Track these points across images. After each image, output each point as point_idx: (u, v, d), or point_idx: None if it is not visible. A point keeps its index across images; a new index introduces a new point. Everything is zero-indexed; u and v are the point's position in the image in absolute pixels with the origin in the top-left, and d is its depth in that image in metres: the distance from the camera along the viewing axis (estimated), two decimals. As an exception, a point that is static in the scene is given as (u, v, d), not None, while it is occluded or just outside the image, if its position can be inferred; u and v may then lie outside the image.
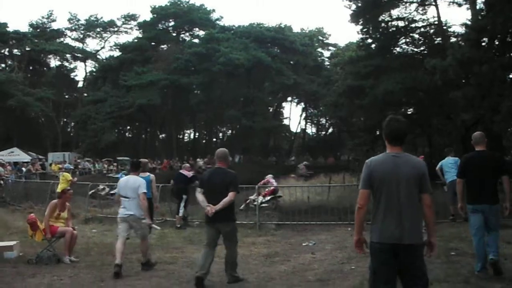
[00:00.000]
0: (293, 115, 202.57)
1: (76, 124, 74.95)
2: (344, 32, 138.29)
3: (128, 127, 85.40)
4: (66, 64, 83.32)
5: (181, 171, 19.78)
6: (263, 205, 19.46)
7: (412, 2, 37.83)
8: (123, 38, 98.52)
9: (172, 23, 78.21)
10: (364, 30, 39.52)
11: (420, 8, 37.92)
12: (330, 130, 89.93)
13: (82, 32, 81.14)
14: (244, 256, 11.21)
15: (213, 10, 79.99)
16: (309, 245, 13.50)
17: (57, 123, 74.22)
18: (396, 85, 34.00)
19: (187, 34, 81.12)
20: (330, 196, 21.53)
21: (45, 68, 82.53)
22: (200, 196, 9.49)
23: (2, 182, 27.55)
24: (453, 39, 35.73)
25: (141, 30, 79.52)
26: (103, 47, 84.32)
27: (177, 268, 10.85)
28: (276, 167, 60.25)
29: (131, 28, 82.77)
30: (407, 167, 5.51)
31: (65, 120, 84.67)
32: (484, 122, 24.99)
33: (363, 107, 39.75)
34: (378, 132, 36.50)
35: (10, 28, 71.94)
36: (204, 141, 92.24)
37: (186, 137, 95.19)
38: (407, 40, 39.97)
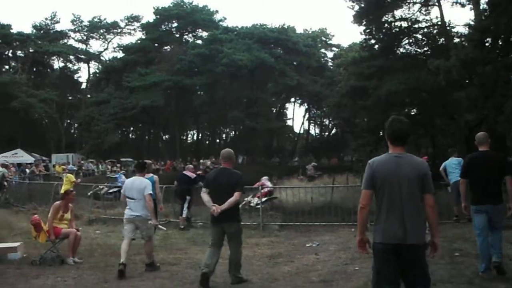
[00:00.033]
0: (296, 116, 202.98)
1: (79, 126, 74.94)
2: (347, 32, 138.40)
3: (132, 128, 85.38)
4: (70, 65, 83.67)
5: (184, 172, 19.72)
6: (258, 206, 19.46)
7: (415, 3, 37.82)
8: (127, 40, 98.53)
9: (175, 24, 78.34)
10: (367, 30, 39.50)
11: (423, 9, 37.92)
12: (334, 131, 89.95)
13: (86, 33, 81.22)
14: (248, 257, 11.21)
15: (216, 11, 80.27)
16: (313, 246, 13.49)
17: (60, 125, 74.35)
18: (399, 85, 33.99)
19: (190, 35, 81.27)
20: (334, 197, 21.50)
21: (48, 70, 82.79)
22: (205, 196, 9.48)
23: (6, 183, 27.55)
24: (456, 40, 35.71)
25: (144, 32, 79.60)
26: (106, 49, 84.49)
27: (180, 269, 10.84)
28: (279, 168, 60.34)
29: (134, 30, 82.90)
30: (409, 167, 5.51)
31: (68, 121, 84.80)
32: (487, 123, 24.97)
33: (367, 107, 39.77)
34: (381, 133, 36.33)
35: (14, 30, 72.21)
36: (207, 142, 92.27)
37: (189, 138, 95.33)
38: (411, 40, 39.94)
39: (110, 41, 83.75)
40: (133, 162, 54.93)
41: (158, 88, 66.24)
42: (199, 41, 77.71)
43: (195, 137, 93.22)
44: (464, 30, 35.08)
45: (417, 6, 37.88)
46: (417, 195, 5.47)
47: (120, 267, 10.18)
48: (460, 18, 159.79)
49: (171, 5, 76.41)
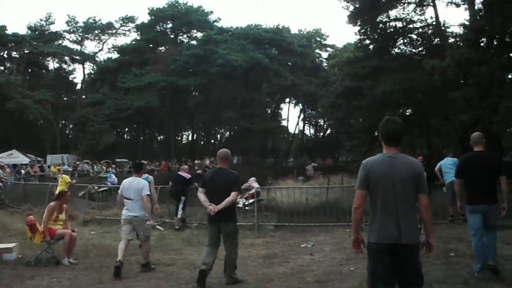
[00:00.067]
0: (291, 116, 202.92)
1: (74, 126, 74.90)
2: (342, 33, 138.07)
3: (127, 129, 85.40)
4: (65, 66, 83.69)
5: (179, 172, 19.70)
6: (246, 208, 19.48)
7: (410, 3, 37.80)
8: (121, 40, 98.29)
9: (170, 25, 78.36)
10: (362, 31, 39.47)
11: (418, 9, 37.89)
12: (328, 131, 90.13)
13: (81, 34, 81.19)
14: (243, 257, 11.20)
15: (211, 12, 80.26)
16: (308, 246, 13.50)
17: (55, 125, 74.27)
18: (394, 86, 33.99)
19: (185, 36, 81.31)
20: (329, 197, 21.52)
21: (43, 71, 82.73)
22: (202, 196, 9.49)
23: (1, 184, 27.52)
24: (451, 40, 35.64)
25: (139, 32, 79.59)
26: (101, 49, 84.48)
27: (175, 270, 10.83)
28: (274, 168, 60.39)
29: (129, 30, 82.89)
30: (403, 167, 5.52)
31: (63, 122, 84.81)
32: (483, 123, 24.96)
33: (361, 108, 39.75)
34: (376, 133, 36.43)
35: (9, 31, 72.11)
36: (202, 142, 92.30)
37: (184, 139, 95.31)
38: (405, 40, 39.92)
39: (105, 42, 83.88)
40: (128, 163, 55.08)
41: (153, 88, 66.27)
42: (194, 42, 77.77)
43: (190, 138, 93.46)
44: (459, 30, 35.09)
45: (412, 6, 37.87)
46: (411, 195, 5.49)
47: (117, 263, 10.22)
48: (455, 18, 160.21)
49: (166, 6, 76.51)
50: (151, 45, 76.46)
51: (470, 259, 9.65)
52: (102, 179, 36.39)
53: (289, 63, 76.02)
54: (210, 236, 9.58)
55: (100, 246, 13.69)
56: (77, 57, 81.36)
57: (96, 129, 64.67)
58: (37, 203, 22.13)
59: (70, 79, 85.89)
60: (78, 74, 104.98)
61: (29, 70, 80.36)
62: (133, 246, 11.52)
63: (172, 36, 79.49)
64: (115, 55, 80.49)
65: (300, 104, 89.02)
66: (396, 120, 5.77)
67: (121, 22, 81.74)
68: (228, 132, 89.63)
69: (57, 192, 17.51)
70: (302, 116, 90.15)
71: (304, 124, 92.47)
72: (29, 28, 77.76)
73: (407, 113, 41.04)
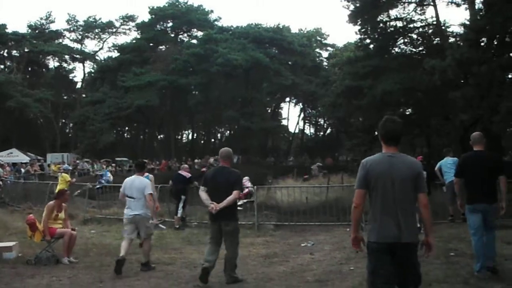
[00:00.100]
0: (291, 115, 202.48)
1: (74, 125, 74.78)
2: (342, 32, 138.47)
3: (127, 128, 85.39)
4: (65, 65, 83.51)
5: (179, 171, 19.69)
6: (239, 208, 19.52)
7: (411, 2, 37.83)
8: (122, 39, 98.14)
9: (170, 24, 78.31)
10: (363, 30, 39.51)
11: (419, 8, 37.93)
12: (328, 130, 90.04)
13: (81, 33, 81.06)
14: (243, 256, 11.17)
15: (211, 11, 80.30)
16: (308, 245, 13.50)
17: (55, 124, 74.19)
18: (394, 85, 34.03)
19: (185, 35, 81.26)
20: (329, 197, 21.50)
21: (43, 69, 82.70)
22: (203, 195, 9.52)
23: (1, 183, 27.57)
24: (451, 39, 35.69)
25: (139, 31, 79.50)
26: (101, 48, 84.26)
27: (175, 269, 10.84)
28: (274, 168, 60.39)
29: (129, 29, 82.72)
30: (402, 167, 5.54)
31: (63, 121, 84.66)
32: (483, 123, 24.98)
33: (362, 107, 39.78)
34: (376, 133, 36.42)
35: (9, 29, 71.98)
36: (202, 141, 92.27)
37: (184, 138, 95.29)
38: (406, 40, 39.98)
39: (105, 40, 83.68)
40: (128, 162, 55.10)
41: (153, 87, 66.20)
42: (194, 41, 77.80)
43: (190, 137, 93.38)
44: (460, 30, 35.19)
45: (412, 5, 37.91)
46: (410, 195, 5.51)
47: (119, 257, 10.28)
48: (456, 18, 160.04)
49: (166, 5, 76.37)
50: (151, 44, 76.44)
51: (470, 259, 9.65)
52: (98, 177, 36.44)
53: (290, 63, 75.98)
54: (211, 234, 9.60)
55: (100, 245, 13.69)
56: (77, 56, 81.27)
57: (96, 128, 64.59)
58: (37, 201, 22.13)
59: (70, 77, 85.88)
60: (78, 73, 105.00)
61: (29, 69, 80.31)
62: (134, 245, 11.50)
63: (172, 35, 79.43)
64: (115, 54, 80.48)
65: (300, 103, 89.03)
66: (396, 120, 5.79)
67: (122, 21, 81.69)
68: (228, 131, 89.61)
69: (56, 191, 17.51)
70: (302, 115, 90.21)
71: (304, 123, 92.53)
72: (29, 26, 77.90)
73: (407, 113, 41.12)
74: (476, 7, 30.32)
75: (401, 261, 5.40)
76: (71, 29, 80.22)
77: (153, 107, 67.42)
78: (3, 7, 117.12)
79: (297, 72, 74.40)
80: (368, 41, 40.63)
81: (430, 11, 37.73)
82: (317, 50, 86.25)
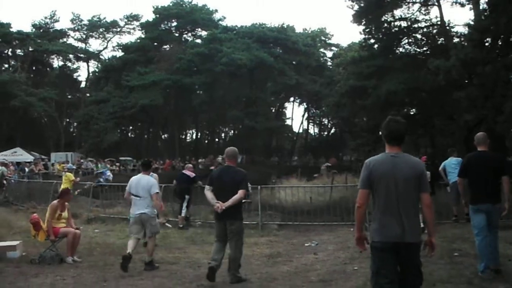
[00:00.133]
0: (296, 115, 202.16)
1: (78, 124, 75.02)
2: (346, 32, 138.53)
3: (131, 127, 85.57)
4: (69, 64, 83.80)
5: (184, 171, 19.70)
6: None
7: (415, 3, 37.83)
8: (126, 39, 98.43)
9: (174, 24, 78.42)
10: (367, 30, 39.54)
11: (423, 8, 37.95)
12: (333, 130, 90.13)
13: (85, 32, 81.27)
14: (247, 256, 11.18)
15: (216, 11, 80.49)
16: (312, 245, 13.47)
17: (59, 123, 74.39)
18: (398, 85, 34.05)
19: (190, 34, 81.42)
20: (333, 197, 21.46)
21: (48, 69, 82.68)
22: (209, 194, 9.54)
23: (5, 182, 27.59)
24: (456, 40, 35.69)
25: (143, 31, 79.70)
26: (105, 48, 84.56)
27: (179, 268, 10.82)
28: (278, 167, 60.41)
29: (133, 29, 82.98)
30: (405, 167, 5.55)
31: (67, 120, 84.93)
32: (487, 123, 24.97)
33: (366, 107, 39.81)
34: (380, 133, 36.39)
35: (14, 29, 72.18)
36: (206, 141, 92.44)
37: (188, 138, 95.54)
38: (410, 40, 39.97)
39: (109, 40, 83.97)
40: (132, 161, 55.17)
41: (157, 87, 66.29)
42: (199, 40, 77.91)
43: (194, 136, 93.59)
44: (464, 30, 35.14)
45: (417, 5, 37.94)
46: (413, 195, 5.53)
47: (125, 254, 10.33)
48: (460, 18, 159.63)
49: (171, 4, 76.49)
50: (155, 44, 76.63)
51: (474, 259, 9.63)
52: (98, 175, 36.43)
53: (294, 62, 75.85)
54: (217, 233, 9.63)
55: (104, 244, 13.69)
56: (82, 55, 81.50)
57: (100, 127, 64.69)
58: (41, 201, 22.13)
59: (75, 77, 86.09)
60: (83, 72, 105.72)
61: (34, 68, 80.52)
62: (138, 244, 11.53)
63: (176, 35, 79.57)
64: (119, 53, 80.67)
65: (304, 103, 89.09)
66: (399, 120, 5.80)
67: (126, 20, 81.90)
68: (232, 131, 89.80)
69: (60, 190, 17.52)
70: (306, 115, 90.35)
71: (309, 123, 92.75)
72: (34, 26, 78.13)
73: (412, 113, 41.16)
74: (481, 7, 30.30)
75: (403, 261, 5.42)
76: (76, 28, 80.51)
77: (157, 106, 67.58)
78: (8, 6, 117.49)
79: (301, 72, 74.39)
80: (372, 41, 40.67)
81: (434, 11, 37.64)
82: (322, 50, 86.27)
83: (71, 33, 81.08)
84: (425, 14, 38.14)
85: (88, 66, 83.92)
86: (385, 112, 30.23)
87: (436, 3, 36.30)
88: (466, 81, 28.19)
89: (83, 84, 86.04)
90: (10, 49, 74.19)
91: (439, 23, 36.76)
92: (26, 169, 36.84)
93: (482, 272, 8.64)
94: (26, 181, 29.04)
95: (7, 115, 66.95)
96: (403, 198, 5.44)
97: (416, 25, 38.38)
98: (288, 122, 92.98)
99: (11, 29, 71.19)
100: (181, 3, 76.97)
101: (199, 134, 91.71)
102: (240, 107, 72.45)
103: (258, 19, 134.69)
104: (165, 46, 78.18)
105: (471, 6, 32.42)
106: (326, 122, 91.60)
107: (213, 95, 69.59)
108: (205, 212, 18.12)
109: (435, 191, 14.66)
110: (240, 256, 9.51)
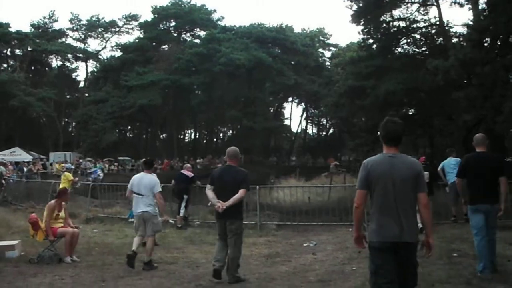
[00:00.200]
0: (294, 115, 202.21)
1: (77, 124, 75.08)
2: (345, 32, 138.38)
3: (129, 127, 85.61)
4: (68, 64, 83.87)
5: (182, 171, 19.72)
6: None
7: (414, 3, 37.82)
8: (124, 38, 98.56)
9: (173, 24, 78.52)
10: (366, 30, 39.52)
11: (422, 9, 37.92)
12: (331, 130, 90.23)
13: (84, 32, 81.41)
14: (245, 256, 11.17)
15: (214, 11, 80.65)
16: (310, 245, 13.48)
17: (58, 123, 74.46)
18: (397, 85, 34.03)
19: (188, 34, 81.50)
20: (331, 197, 21.50)
21: (46, 68, 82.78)
22: (210, 193, 9.55)
23: (3, 181, 27.56)
24: (455, 40, 35.69)
25: (142, 31, 79.82)
26: (104, 47, 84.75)
27: (178, 268, 10.82)
28: (276, 167, 60.48)
29: (132, 29, 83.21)
30: (403, 167, 5.57)
31: (66, 120, 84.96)
32: (486, 123, 24.99)
33: (364, 107, 39.79)
34: (378, 133, 36.33)
35: (12, 28, 72.27)
36: (205, 141, 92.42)
37: (187, 137, 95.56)
38: (409, 40, 39.94)
39: (108, 40, 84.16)
40: (131, 161, 55.19)
41: (156, 87, 66.33)
42: (197, 40, 77.98)
43: (192, 136, 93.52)
44: (463, 30, 35.13)
45: (416, 6, 37.92)
46: (411, 195, 5.54)
47: (130, 253, 10.42)
48: (459, 18, 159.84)
49: (169, 4, 76.60)
50: (154, 44, 76.67)
51: (472, 259, 9.63)
52: (88, 174, 36.44)
53: (292, 62, 75.98)
54: (219, 232, 9.67)
55: (103, 244, 13.68)
56: (80, 55, 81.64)
57: (99, 127, 64.73)
58: (40, 200, 22.10)
59: (73, 77, 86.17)
60: (81, 72, 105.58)
61: (32, 68, 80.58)
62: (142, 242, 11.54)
63: (175, 35, 79.64)
64: (118, 53, 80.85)
65: (303, 103, 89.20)
66: (396, 121, 5.82)
67: (125, 20, 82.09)
68: (231, 131, 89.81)
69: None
70: (305, 115, 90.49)
71: (307, 123, 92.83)
72: (33, 25, 78.27)
73: (410, 113, 41.14)
74: (480, 7, 30.29)
75: (401, 260, 5.42)
76: (74, 28, 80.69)
77: (155, 106, 67.66)
78: (7, 6, 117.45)
79: (300, 72, 74.46)
80: (371, 41, 40.66)
81: (433, 11, 37.63)
82: (320, 50, 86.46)
83: (70, 33, 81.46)
84: (424, 14, 38.18)
85: (86, 66, 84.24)
86: (384, 112, 30.28)
87: (435, 3, 36.29)
88: (465, 81, 28.19)
89: (81, 84, 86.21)
90: (9, 49, 74.29)
91: (438, 23, 36.76)
92: (25, 169, 36.86)
93: (481, 272, 8.64)
94: (25, 181, 29.02)
95: (5, 115, 67.03)
96: (401, 198, 5.46)
97: (415, 25, 38.36)
98: (287, 122, 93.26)
99: (10, 29, 71.25)
100: (180, 3, 77.11)
101: (197, 134, 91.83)
102: (238, 107, 72.48)
103: (256, 19, 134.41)
104: (163, 46, 78.23)
105: (470, 6, 32.46)
106: (324, 122, 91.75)
107: (212, 95, 69.53)
108: (204, 212, 18.14)
109: (434, 191, 14.66)
110: (239, 255, 9.52)
